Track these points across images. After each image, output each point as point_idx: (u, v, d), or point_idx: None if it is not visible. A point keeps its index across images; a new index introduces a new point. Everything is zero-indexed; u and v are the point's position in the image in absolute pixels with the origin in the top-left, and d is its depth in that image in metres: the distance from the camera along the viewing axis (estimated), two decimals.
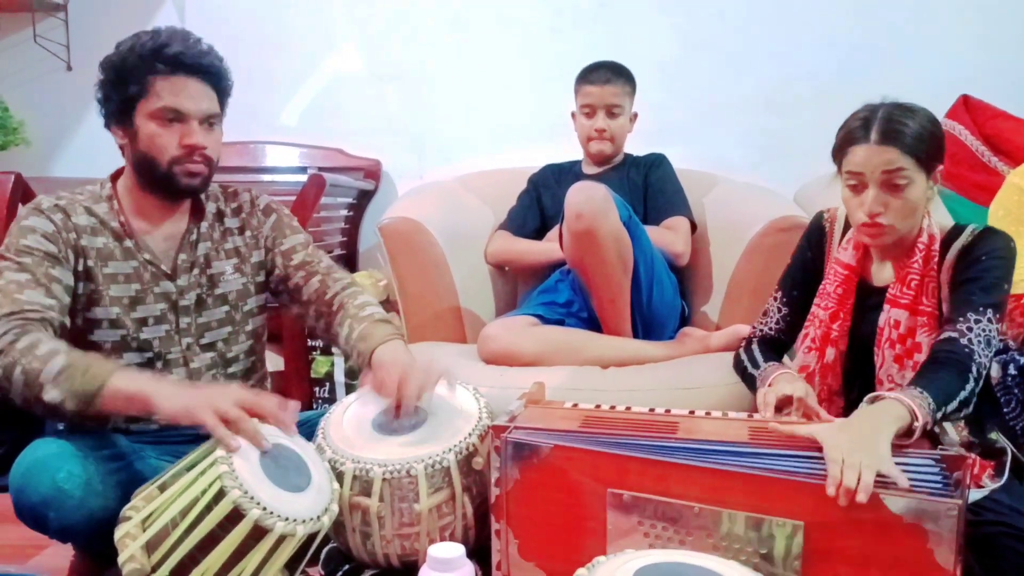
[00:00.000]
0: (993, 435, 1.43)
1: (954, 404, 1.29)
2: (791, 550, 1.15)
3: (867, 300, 1.53)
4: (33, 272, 1.38)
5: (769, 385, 1.48)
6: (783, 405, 1.42)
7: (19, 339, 1.31)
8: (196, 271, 1.55)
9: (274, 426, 1.30)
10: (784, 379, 1.48)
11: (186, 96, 1.44)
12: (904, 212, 1.43)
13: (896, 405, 1.25)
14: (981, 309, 1.37)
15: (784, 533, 1.15)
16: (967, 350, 1.34)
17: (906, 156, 1.39)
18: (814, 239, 1.64)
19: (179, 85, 1.44)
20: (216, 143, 1.50)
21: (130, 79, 1.43)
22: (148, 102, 1.44)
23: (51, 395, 1.27)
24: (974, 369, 1.33)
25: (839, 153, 1.48)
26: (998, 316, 1.38)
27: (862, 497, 1.10)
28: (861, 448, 1.15)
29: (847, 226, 1.59)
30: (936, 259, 1.47)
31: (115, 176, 1.54)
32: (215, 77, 1.49)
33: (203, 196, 1.58)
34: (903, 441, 1.23)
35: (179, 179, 1.46)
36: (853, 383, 1.55)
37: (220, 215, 1.60)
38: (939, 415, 1.26)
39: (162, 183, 1.47)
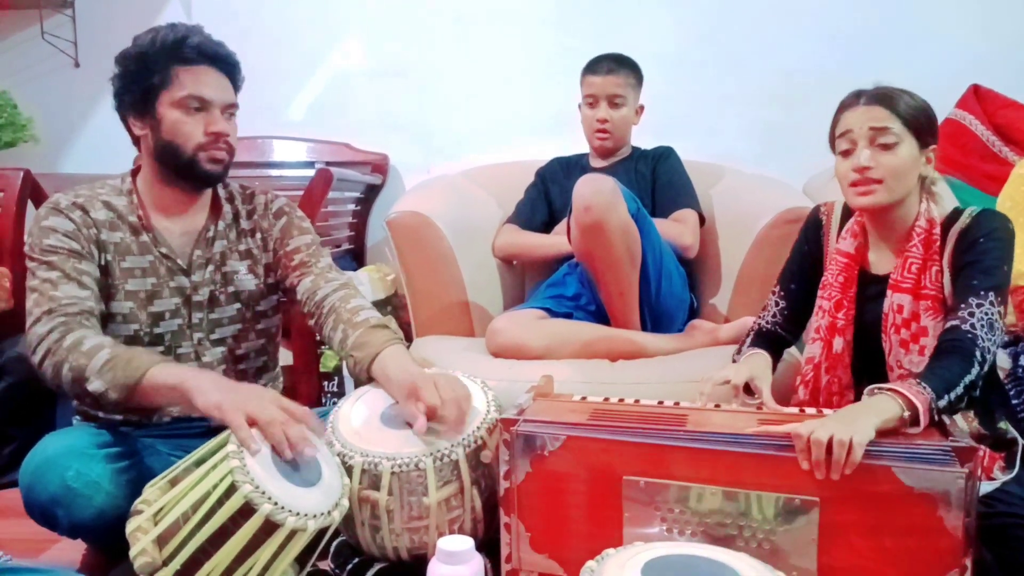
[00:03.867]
0: (1002, 424, 1.43)
1: (959, 390, 1.29)
2: (808, 526, 1.17)
3: (867, 289, 1.54)
4: (62, 268, 1.41)
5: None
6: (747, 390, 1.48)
7: (65, 337, 1.35)
8: (211, 268, 1.55)
9: (307, 429, 1.30)
10: (743, 361, 1.53)
11: (209, 85, 1.47)
12: (895, 171, 1.44)
13: (885, 399, 1.26)
14: (982, 293, 1.38)
15: (801, 510, 1.18)
16: (970, 336, 1.35)
17: (894, 116, 1.44)
18: (811, 232, 1.65)
19: (201, 75, 1.47)
20: (235, 133, 1.54)
21: (153, 69, 1.45)
22: (172, 91, 1.46)
23: (95, 385, 1.31)
24: (978, 354, 1.33)
25: (833, 125, 1.52)
26: (999, 299, 1.39)
27: (835, 475, 1.15)
28: (834, 423, 1.18)
29: (844, 218, 1.60)
30: (938, 243, 1.47)
31: (135, 171, 1.56)
32: (233, 68, 1.53)
33: (222, 195, 1.59)
34: (911, 431, 1.24)
35: (203, 165, 1.48)
36: (861, 376, 1.54)
37: (237, 216, 1.61)
38: (943, 403, 1.27)
39: (185, 170, 1.49)
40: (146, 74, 1.46)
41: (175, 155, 1.47)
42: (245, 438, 1.22)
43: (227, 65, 1.51)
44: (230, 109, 1.52)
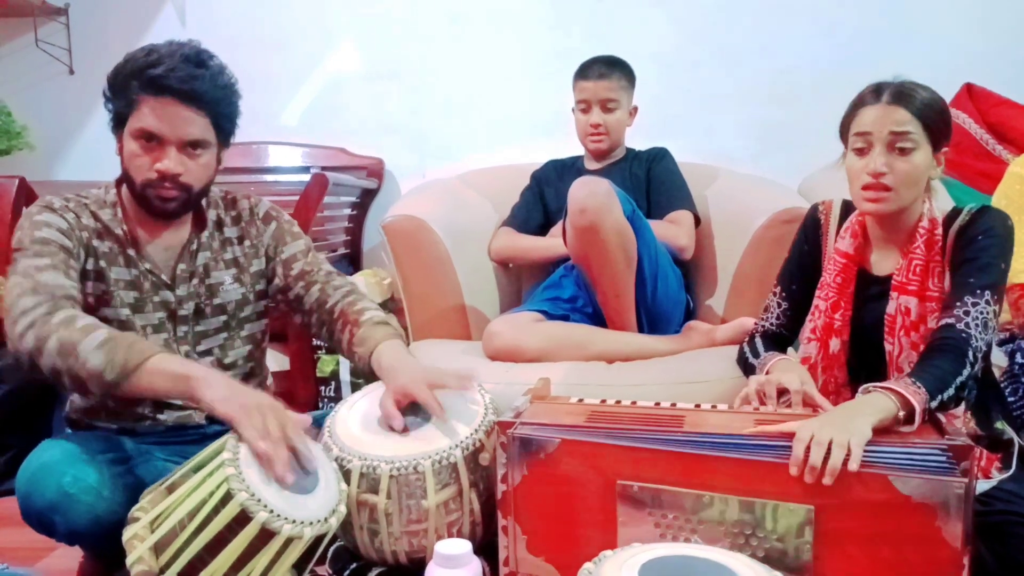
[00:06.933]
0: (999, 425, 1.43)
1: (951, 391, 1.29)
2: (803, 534, 1.16)
3: (868, 290, 1.53)
4: (51, 258, 1.37)
5: (767, 373, 1.48)
6: (780, 394, 1.42)
7: (54, 313, 1.30)
8: (195, 281, 1.54)
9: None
10: (781, 367, 1.48)
11: (166, 120, 1.39)
12: (908, 178, 1.42)
13: (881, 397, 1.25)
14: (978, 292, 1.37)
15: (795, 518, 1.16)
16: (964, 335, 1.34)
17: (915, 119, 1.40)
18: (810, 232, 1.64)
19: (162, 108, 1.39)
20: (199, 170, 1.45)
21: (120, 94, 1.41)
22: (132, 120, 1.41)
23: (90, 362, 1.25)
24: (971, 354, 1.32)
25: (848, 119, 1.48)
26: (995, 297, 1.37)
27: (828, 480, 1.13)
28: (832, 425, 1.17)
29: (843, 217, 1.59)
30: (940, 243, 1.46)
31: (120, 181, 1.53)
32: (207, 103, 1.42)
33: (205, 204, 1.57)
34: (906, 430, 1.23)
35: (152, 201, 1.44)
36: (859, 375, 1.54)
37: (220, 224, 1.59)
38: (935, 403, 1.26)
39: (139, 201, 1.47)
40: (117, 97, 1.42)
41: (130, 185, 1.45)
42: (251, 436, 1.20)
43: (199, 100, 1.40)
44: (195, 145, 1.43)
